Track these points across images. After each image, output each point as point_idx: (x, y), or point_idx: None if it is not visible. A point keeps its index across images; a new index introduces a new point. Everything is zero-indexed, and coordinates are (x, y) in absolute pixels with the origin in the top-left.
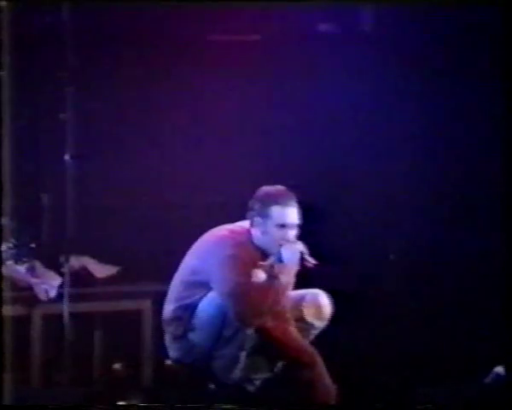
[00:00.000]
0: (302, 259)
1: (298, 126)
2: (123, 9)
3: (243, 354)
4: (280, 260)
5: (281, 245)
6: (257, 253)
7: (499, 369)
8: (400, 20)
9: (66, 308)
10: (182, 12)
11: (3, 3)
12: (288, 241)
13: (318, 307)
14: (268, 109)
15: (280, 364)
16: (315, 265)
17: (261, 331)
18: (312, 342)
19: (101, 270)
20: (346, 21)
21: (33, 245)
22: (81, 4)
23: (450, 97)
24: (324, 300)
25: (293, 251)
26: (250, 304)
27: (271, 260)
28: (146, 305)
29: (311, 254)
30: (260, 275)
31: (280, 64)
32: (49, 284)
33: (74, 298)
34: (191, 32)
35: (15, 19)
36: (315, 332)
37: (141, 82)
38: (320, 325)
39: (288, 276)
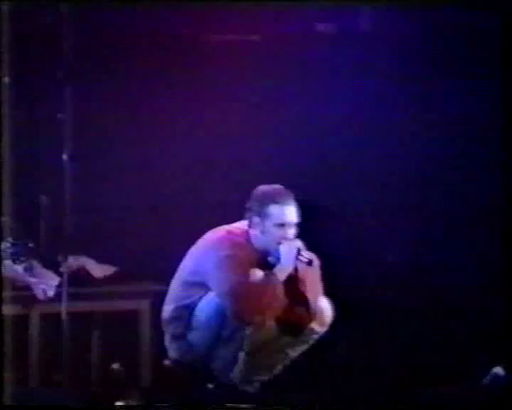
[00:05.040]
0: (298, 255)
1: (297, 126)
2: (122, 9)
3: (242, 355)
4: (278, 258)
5: (279, 244)
6: (255, 253)
7: (498, 369)
8: (400, 20)
9: (64, 308)
10: (182, 12)
11: (3, 4)
12: (286, 239)
13: (319, 312)
14: (267, 109)
15: (280, 366)
16: (309, 260)
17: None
18: (313, 346)
19: (99, 270)
20: (346, 21)
21: (31, 245)
22: (80, 4)
23: (450, 97)
24: (325, 304)
25: (291, 248)
26: (247, 302)
27: (271, 260)
28: (144, 305)
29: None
30: (258, 274)
31: (280, 64)
32: (47, 283)
33: (72, 298)
34: (191, 32)
35: (15, 19)
36: (315, 337)
37: (140, 82)
38: (321, 330)
39: (285, 273)
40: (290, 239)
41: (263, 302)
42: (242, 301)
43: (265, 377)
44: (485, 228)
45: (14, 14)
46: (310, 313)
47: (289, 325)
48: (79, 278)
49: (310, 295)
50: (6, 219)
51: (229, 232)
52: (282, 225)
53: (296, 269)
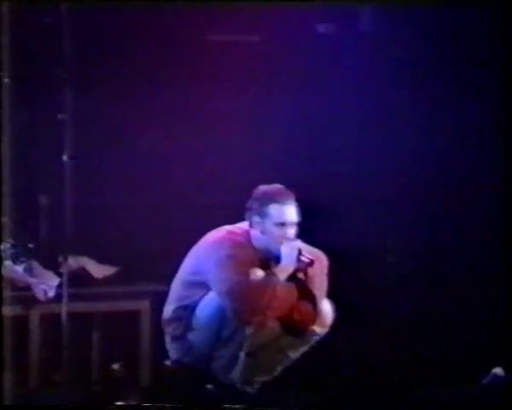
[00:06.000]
0: (299, 255)
1: (297, 126)
2: (122, 9)
3: (242, 355)
4: (279, 258)
5: (280, 244)
6: (256, 253)
7: (498, 370)
8: (400, 20)
9: (64, 308)
10: (182, 12)
11: (3, 4)
12: (287, 239)
13: (320, 313)
14: (267, 109)
15: (280, 367)
16: (311, 261)
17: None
18: (313, 347)
19: (99, 270)
20: (346, 21)
21: (31, 245)
22: (80, 4)
23: (450, 97)
24: (326, 306)
25: (292, 248)
26: (248, 302)
27: (271, 260)
28: (144, 305)
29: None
30: (258, 273)
31: (280, 64)
32: (47, 284)
33: (72, 298)
34: (191, 32)
35: (15, 19)
36: (316, 338)
37: (140, 82)
38: (322, 331)
39: (286, 273)
40: (291, 239)
41: (263, 302)
42: (242, 301)
43: (265, 378)
44: (485, 228)
45: (14, 14)
46: (316, 311)
47: (294, 324)
48: (79, 279)
49: (317, 293)
50: (6, 219)
51: (229, 232)
52: (282, 225)
53: (305, 267)
